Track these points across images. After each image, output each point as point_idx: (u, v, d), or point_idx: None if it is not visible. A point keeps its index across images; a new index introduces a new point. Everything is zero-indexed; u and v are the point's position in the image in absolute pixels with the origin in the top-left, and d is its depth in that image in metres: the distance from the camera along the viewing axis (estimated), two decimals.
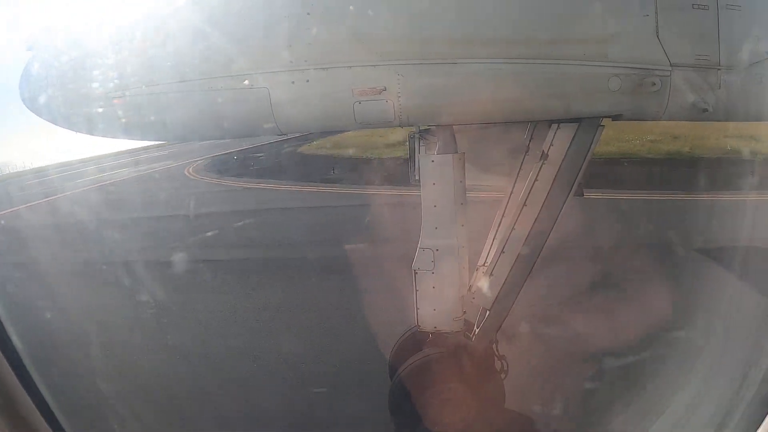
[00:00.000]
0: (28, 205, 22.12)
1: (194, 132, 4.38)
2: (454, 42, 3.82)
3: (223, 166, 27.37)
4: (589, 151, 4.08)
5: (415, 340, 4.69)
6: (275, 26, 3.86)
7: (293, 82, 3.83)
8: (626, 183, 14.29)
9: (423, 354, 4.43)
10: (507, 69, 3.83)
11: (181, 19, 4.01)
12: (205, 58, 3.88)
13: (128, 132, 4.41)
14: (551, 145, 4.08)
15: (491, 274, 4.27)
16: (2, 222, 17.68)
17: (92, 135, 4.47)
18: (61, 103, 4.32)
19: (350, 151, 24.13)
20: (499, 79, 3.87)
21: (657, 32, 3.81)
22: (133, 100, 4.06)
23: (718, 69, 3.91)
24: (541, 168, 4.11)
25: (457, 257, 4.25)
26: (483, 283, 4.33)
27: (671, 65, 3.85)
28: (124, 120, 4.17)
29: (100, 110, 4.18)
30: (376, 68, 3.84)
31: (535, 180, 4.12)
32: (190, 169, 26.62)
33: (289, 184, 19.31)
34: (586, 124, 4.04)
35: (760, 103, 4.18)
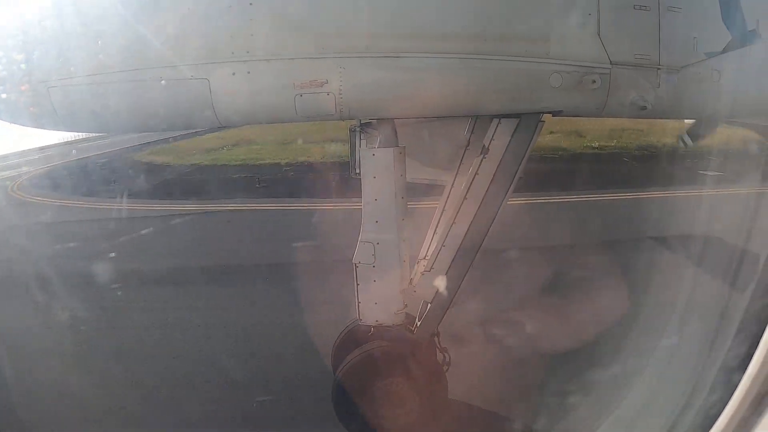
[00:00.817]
0: None
1: (132, 123, 4.27)
2: (397, 36, 3.82)
3: (46, 177, 23.83)
4: (529, 146, 4.13)
5: (357, 333, 4.68)
6: (217, 16, 3.79)
7: (234, 74, 3.77)
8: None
9: (365, 348, 4.42)
10: (450, 64, 3.85)
11: (122, 8, 3.89)
12: (146, 47, 3.79)
13: (64, 123, 4.28)
14: (492, 139, 4.12)
15: (432, 268, 4.29)
16: None
17: (24, 126, 4.33)
18: None
19: (162, 159, 23.30)
20: (442, 74, 3.90)
21: (599, 31, 3.88)
22: (70, 90, 3.94)
23: (658, 68, 4.01)
24: (481, 162, 4.14)
25: (397, 250, 4.26)
26: (424, 277, 4.35)
27: (611, 63, 3.93)
28: (59, 110, 4.04)
29: (33, 100, 4.03)
30: (318, 61, 3.81)
31: (476, 174, 4.15)
32: (19, 182, 22.78)
33: (67, 198, 17.29)
34: (527, 119, 4.10)
35: (697, 101, 4.31)
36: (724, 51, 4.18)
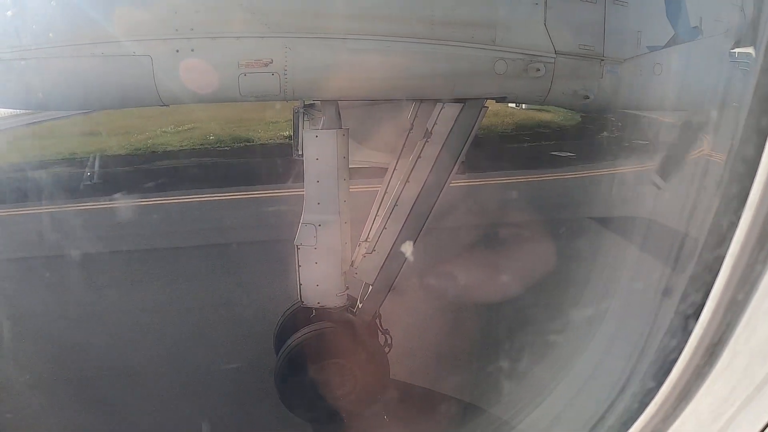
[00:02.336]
0: None
1: (72, 100, 4.12)
2: (344, 17, 3.81)
3: None
4: (472, 130, 4.17)
5: (300, 315, 4.68)
6: None
7: (178, 51, 3.68)
8: None
9: (306, 330, 4.43)
10: (396, 47, 3.85)
11: None
12: (87, 21, 3.67)
13: (4, 99, 4.15)
14: (435, 123, 4.16)
15: (373, 250, 4.32)
16: None
17: None
18: None
19: None
20: (387, 57, 3.89)
21: (545, 21, 3.94)
22: (8, 65, 3.76)
23: (602, 59, 4.11)
24: (424, 146, 4.17)
25: (339, 232, 4.26)
26: (365, 259, 4.38)
27: (556, 53, 4.01)
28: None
29: None
30: (264, 40, 3.76)
31: (418, 158, 4.19)
32: None
33: None
34: (471, 104, 4.15)
35: (638, 94, 4.41)
36: (667, 45, 4.29)
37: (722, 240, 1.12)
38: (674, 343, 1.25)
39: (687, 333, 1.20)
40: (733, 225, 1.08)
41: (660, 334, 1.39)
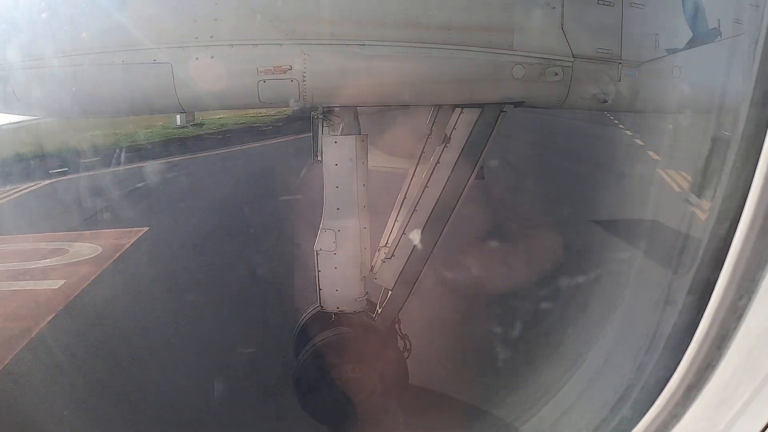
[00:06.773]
0: None
1: (93, 108, 4.21)
2: (363, 24, 3.84)
3: None
4: (490, 135, 4.18)
5: (319, 319, 4.71)
6: (181, 0, 3.80)
7: (197, 59, 3.75)
8: None
9: (326, 335, 4.47)
10: (414, 53, 3.88)
11: None
12: (108, 31, 3.75)
13: (25, 107, 4.25)
14: (454, 128, 4.18)
15: (393, 255, 4.34)
16: None
17: None
18: None
19: None
20: (406, 63, 3.92)
21: (562, 24, 3.94)
22: (31, 74, 3.88)
23: (620, 63, 4.09)
24: (443, 151, 4.19)
25: (358, 238, 4.29)
26: (385, 264, 4.40)
27: (574, 57, 4.00)
28: (19, 94, 3.97)
29: None
30: (283, 47, 3.81)
31: (437, 163, 4.20)
32: None
33: None
34: (489, 109, 4.15)
35: (656, 96, 4.38)
36: (686, 48, 4.26)
37: (725, 235, 1.12)
38: (681, 337, 1.26)
39: (694, 326, 1.20)
40: (735, 221, 1.09)
41: (668, 327, 1.40)
